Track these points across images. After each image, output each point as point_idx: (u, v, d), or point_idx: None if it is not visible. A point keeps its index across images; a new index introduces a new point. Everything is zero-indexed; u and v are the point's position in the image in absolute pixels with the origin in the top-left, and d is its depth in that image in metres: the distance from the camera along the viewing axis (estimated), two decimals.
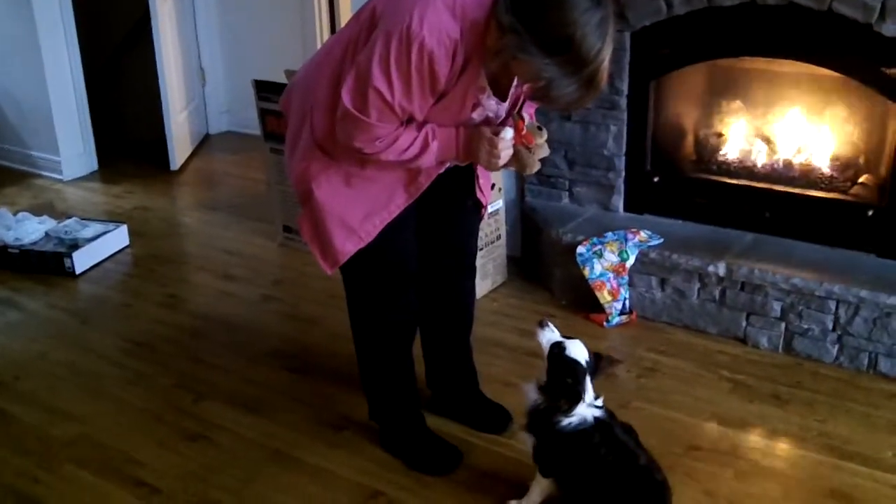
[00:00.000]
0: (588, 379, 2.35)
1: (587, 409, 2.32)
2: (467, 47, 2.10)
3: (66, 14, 5.47)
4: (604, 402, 2.39)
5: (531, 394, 2.40)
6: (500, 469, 2.69)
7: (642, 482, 2.30)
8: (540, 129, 2.35)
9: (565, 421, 2.31)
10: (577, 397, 2.31)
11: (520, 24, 1.98)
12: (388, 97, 2.11)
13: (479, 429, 2.90)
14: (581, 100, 2.08)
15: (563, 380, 2.33)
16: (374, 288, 2.61)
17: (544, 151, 2.37)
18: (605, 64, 2.02)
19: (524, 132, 2.31)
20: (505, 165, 2.35)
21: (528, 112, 2.47)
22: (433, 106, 2.20)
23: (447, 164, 2.43)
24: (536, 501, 2.50)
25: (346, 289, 2.67)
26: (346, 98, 2.16)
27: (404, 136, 2.23)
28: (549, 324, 2.43)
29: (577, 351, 2.36)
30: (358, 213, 2.41)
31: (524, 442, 2.48)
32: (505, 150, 2.29)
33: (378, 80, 2.10)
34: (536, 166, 2.39)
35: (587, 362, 2.35)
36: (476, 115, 2.32)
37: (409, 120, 2.23)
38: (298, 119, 2.45)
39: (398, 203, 2.43)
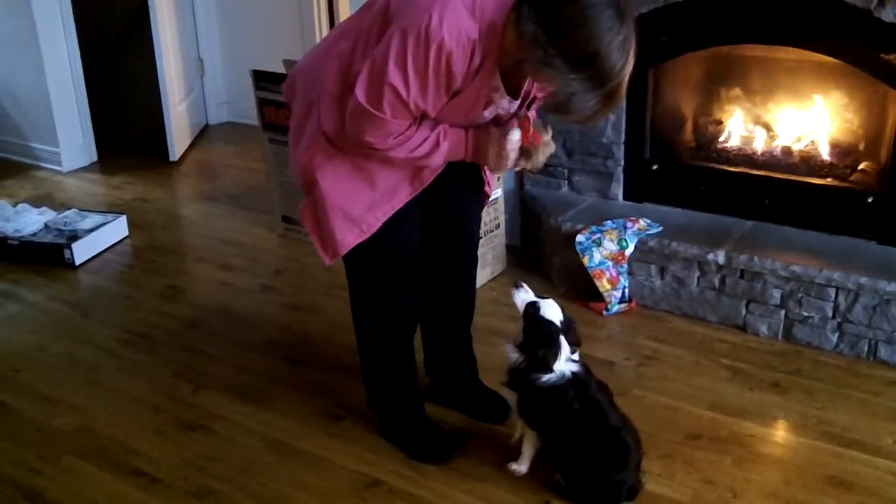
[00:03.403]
0: (562, 337, 2.46)
1: (564, 364, 2.44)
2: (484, 48, 2.09)
3: (65, 5, 5.46)
4: (580, 356, 2.51)
5: (511, 353, 2.53)
6: (499, 457, 2.69)
7: (610, 440, 2.44)
8: (545, 126, 2.37)
9: (544, 377, 2.44)
10: (554, 356, 2.43)
11: (545, 36, 1.97)
12: (404, 94, 2.11)
13: (477, 417, 2.90)
14: (599, 113, 2.08)
15: (538, 338, 2.45)
16: (377, 279, 2.60)
17: (550, 148, 2.43)
18: (626, 80, 2.03)
19: (531, 132, 2.34)
20: (512, 166, 2.40)
21: (531, 112, 2.49)
22: (446, 104, 2.20)
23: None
24: (531, 455, 2.62)
25: (348, 279, 2.67)
26: (359, 93, 2.15)
27: (417, 135, 2.23)
28: (524, 284, 2.55)
29: (551, 311, 2.48)
30: (361, 204, 2.41)
31: (508, 397, 2.60)
32: (513, 151, 2.34)
33: (394, 77, 2.09)
34: (542, 162, 2.44)
35: (560, 321, 2.47)
36: (487, 113, 2.32)
37: (422, 117, 2.22)
38: (303, 108, 2.44)
39: (402, 197, 2.43)
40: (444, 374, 2.98)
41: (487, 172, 2.67)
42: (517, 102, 2.36)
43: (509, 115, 2.40)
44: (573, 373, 2.46)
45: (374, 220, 2.43)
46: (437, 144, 2.28)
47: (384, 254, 2.53)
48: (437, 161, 2.34)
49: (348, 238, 2.43)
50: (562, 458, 2.52)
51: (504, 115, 2.39)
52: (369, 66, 2.14)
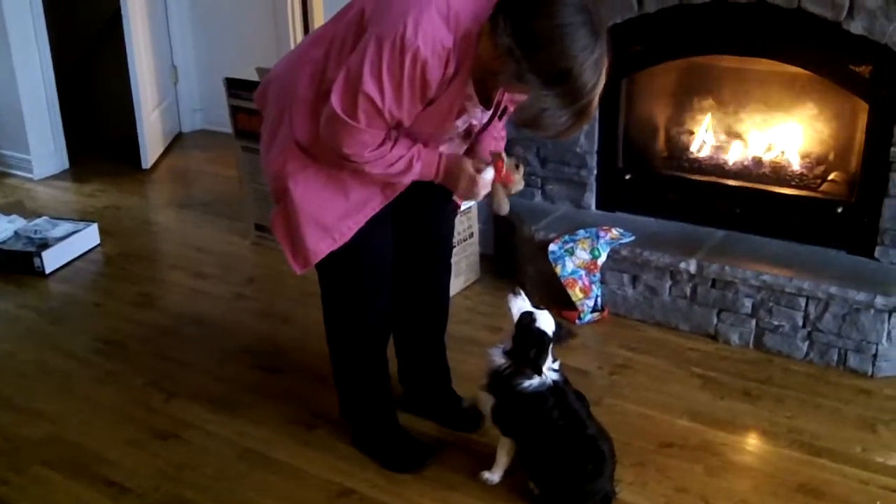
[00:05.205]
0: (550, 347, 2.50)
1: (546, 371, 2.47)
2: (459, 57, 2.10)
3: (37, 11, 5.41)
4: (560, 366, 2.54)
5: (496, 357, 2.54)
6: (472, 466, 2.69)
7: (586, 449, 2.46)
8: (517, 166, 2.41)
9: (525, 383, 2.46)
10: (540, 366, 2.46)
11: (519, 50, 1.98)
12: (379, 103, 2.10)
13: (451, 427, 2.90)
14: (570, 129, 2.09)
15: (529, 348, 2.46)
16: (350, 288, 2.60)
17: (520, 186, 2.46)
18: (597, 98, 2.05)
19: (504, 171, 2.38)
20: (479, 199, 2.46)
21: (501, 134, 2.54)
22: (420, 113, 2.20)
23: None
24: (505, 463, 2.63)
25: (321, 288, 2.66)
26: (335, 101, 2.14)
27: (394, 152, 2.24)
28: (521, 292, 2.57)
29: (546, 322, 2.49)
30: (333, 213, 2.40)
31: (483, 402, 2.60)
32: (484, 188, 2.36)
33: (369, 86, 2.08)
34: (507, 208, 2.47)
35: (553, 332, 2.49)
36: (460, 123, 2.33)
37: (397, 126, 2.22)
38: (276, 115, 2.43)
39: (374, 205, 2.43)
40: (418, 383, 2.98)
41: None
42: (489, 113, 2.37)
43: (480, 124, 2.41)
44: (553, 381, 2.48)
45: (347, 230, 2.42)
46: (409, 165, 2.29)
47: (357, 263, 2.53)
48: (408, 180, 2.35)
49: (321, 247, 2.43)
50: (537, 465, 2.53)
51: (476, 126, 2.40)
52: (344, 74, 2.14)
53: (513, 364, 2.50)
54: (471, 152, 2.48)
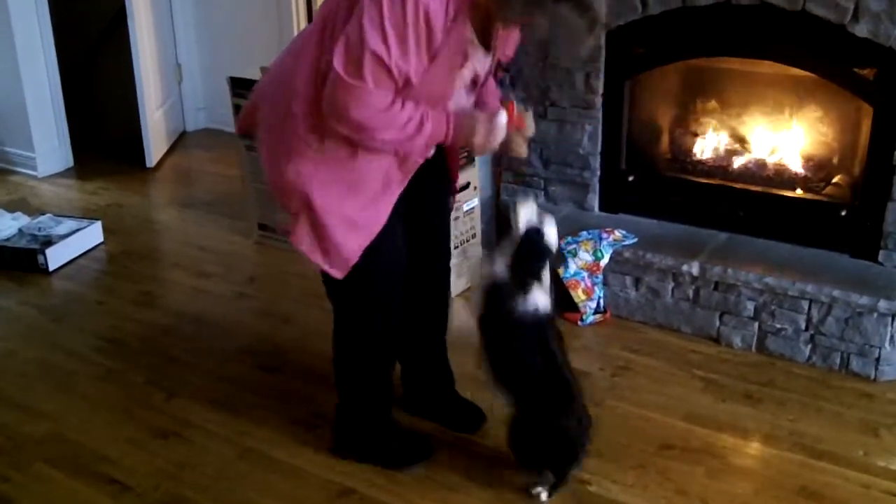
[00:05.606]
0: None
1: (541, 294, 2.44)
2: (456, 1, 2.11)
3: (42, 9, 5.42)
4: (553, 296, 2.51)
5: (499, 269, 2.46)
6: (473, 467, 2.69)
7: (552, 377, 2.47)
8: (527, 110, 2.46)
9: (517, 306, 2.41)
10: (540, 275, 2.43)
11: None
12: (385, 58, 2.08)
13: (452, 428, 2.89)
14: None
15: (531, 265, 2.42)
16: (363, 294, 2.55)
17: (531, 130, 2.49)
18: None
19: (516, 115, 2.39)
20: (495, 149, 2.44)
21: (496, 91, 2.58)
22: (427, 67, 2.17)
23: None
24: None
25: (333, 301, 2.61)
26: (339, 66, 2.11)
27: (403, 113, 2.20)
28: (532, 198, 2.53)
29: (552, 236, 2.44)
30: (358, 205, 2.37)
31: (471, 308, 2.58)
32: (500, 133, 2.36)
33: (374, 42, 2.07)
34: (526, 151, 2.51)
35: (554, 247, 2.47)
36: (467, 72, 2.32)
37: (406, 85, 2.18)
38: (276, 116, 2.39)
39: (396, 185, 2.40)
40: (421, 384, 2.97)
41: (454, 168, 2.70)
42: (489, 60, 2.38)
43: (484, 74, 2.41)
44: (543, 311, 2.45)
45: (378, 216, 2.40)
46: (421, 125, 2.24)
47: (375, 268, 2.48)
48: (421, 143, 2.29)
49: (358, 241, 2.39)
50: (507, 388, 2.52)
51: (480, 75, 2.39)
52: (344, 39, 2.12)
53: (513, 278, 2.42)
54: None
